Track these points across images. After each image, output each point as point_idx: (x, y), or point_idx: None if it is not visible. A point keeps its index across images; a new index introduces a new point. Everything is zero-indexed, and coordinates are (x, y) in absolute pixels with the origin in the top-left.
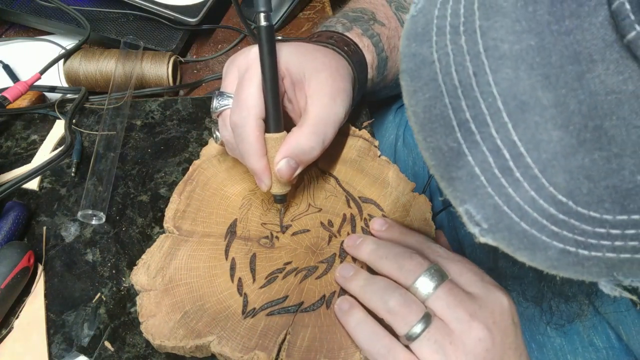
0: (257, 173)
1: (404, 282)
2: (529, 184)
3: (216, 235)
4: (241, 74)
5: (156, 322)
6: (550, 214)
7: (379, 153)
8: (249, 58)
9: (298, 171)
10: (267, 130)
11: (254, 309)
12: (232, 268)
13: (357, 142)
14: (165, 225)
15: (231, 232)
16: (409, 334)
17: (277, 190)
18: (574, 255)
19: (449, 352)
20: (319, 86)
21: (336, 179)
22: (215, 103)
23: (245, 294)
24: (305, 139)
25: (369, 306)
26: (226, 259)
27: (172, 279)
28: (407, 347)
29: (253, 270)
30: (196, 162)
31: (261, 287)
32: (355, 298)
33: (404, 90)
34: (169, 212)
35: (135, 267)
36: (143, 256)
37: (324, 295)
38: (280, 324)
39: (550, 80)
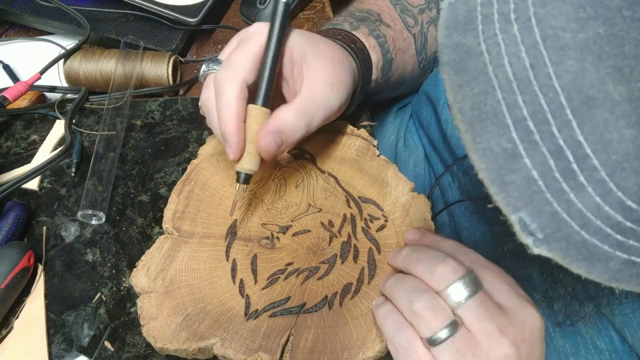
0: (228, 135)
1: (435, 286)
2: (594, 189)
3: (216, 236)
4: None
5: (157, 325)
6: (616, 221)
7: (377, 152)
8: (249, 31)
9: (281, 150)
10: (253, 101)
11: (257, 310)
12: (234, 269)
13: (356, 141)
14: (164, 226)
15: (231, 232)
16: (432, 339)
17: (249, 166)
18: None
19: None
20: (318, 71)
21: (336, 178)
22: (204, 67)
23: (247, 295)
24: (292, 116)
25: (396, 305)
26: (227, 260)
27: (173, 281)
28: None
29: (254, 272)
30: (194, 162)
31: (263, 289)
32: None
33: (447, 85)
34: (167, 213)
35: (134, 269)
36: (142, 258)
37: (326, 296)
38: (283, 326)
39: (623, 72)
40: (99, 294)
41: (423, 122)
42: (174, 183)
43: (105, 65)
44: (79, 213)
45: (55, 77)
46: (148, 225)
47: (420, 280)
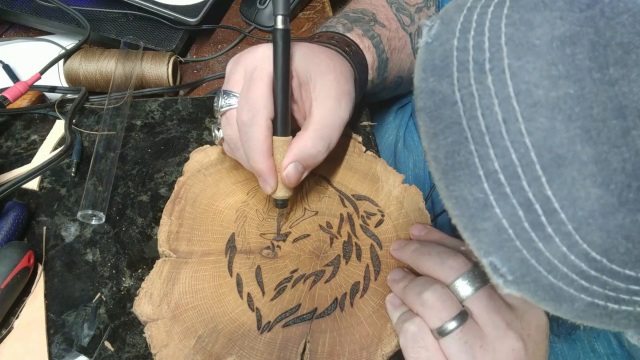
0: (262, 174)
1: (445, 279)
2: (561, 240)
3: (216, 252)
4: (249, 74)
5: (170, 352)
6: (581, 270)
7: (364, 149)
8: (256, 57)
9: (304, 175)
10: (273, 133)
11: (269, 322)
12: (239, 284)
13: (342, 139)
14: (160, 249)
15: (231, 247)
16: (441, 329)
17: (282, 194)
18: (603, 308)
19: (478, 355)
20: (325, 89)
21: (327, 179)
22: (221, 102)
23: (257, 308)
24: (311, 143)
25: (407, 303)
26: (231, 275)
27: (179, 305)
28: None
29: (260, 283)
30: (181, 180)
31: (272, 299)
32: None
33: (422, 132)
34: (161, 235)
35: (136, 298)
36: (143, 285)
37: (336, 298)
38: (298, 334)
39: (590, 134)
40: (99, 294)
41: None
42: (173, 183)
43: (105, 65)
44: (79, 213)
45: (55, 77)
46: (148, 225)
47: (429, 276)
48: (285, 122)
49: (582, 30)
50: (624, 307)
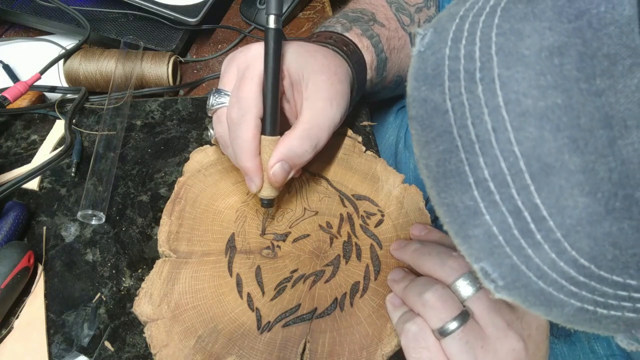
0: (248, 173)
1: (445, 279)
2: (550, 247)
3: (216, 252)
4: (241, 72)
5: (170, 352)
6: (570, 275)
7: (364, 149)
8: (248, 56)
9: (291, 175)
10: (262, 132)
11: (269, 322)
12: (239, 284)
13: (342, 139)
14: (160, 249)
15: (231, 247)
16: (442, 329)
17: (267, 193)
18: (592, 313)
19: (479, 356)
20: (316, 89)
21: (327, 179)
22: (212, 100)
23: (257, 308)
24: (298, 143)
25: (407, 304)
26: (231, 275)
27: (179, 305)
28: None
29: (260, 283)
30: (181, 180)
31: (272, 299)
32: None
33: (415, 140)
34: (161, 235)
35: (136, 298)
36: (143, 285)
37: (336, 298)
38: (298, 334)
39: (578, 144)
40: (99, 294)
41: None
42: (173, 183)
43: (105, 65)
44: (79, 213)
45: (55, 77)
46: (148, 225)
47: (429, 277)
48: (274, 122)
49: (570, 41)
50: (612, 312)
